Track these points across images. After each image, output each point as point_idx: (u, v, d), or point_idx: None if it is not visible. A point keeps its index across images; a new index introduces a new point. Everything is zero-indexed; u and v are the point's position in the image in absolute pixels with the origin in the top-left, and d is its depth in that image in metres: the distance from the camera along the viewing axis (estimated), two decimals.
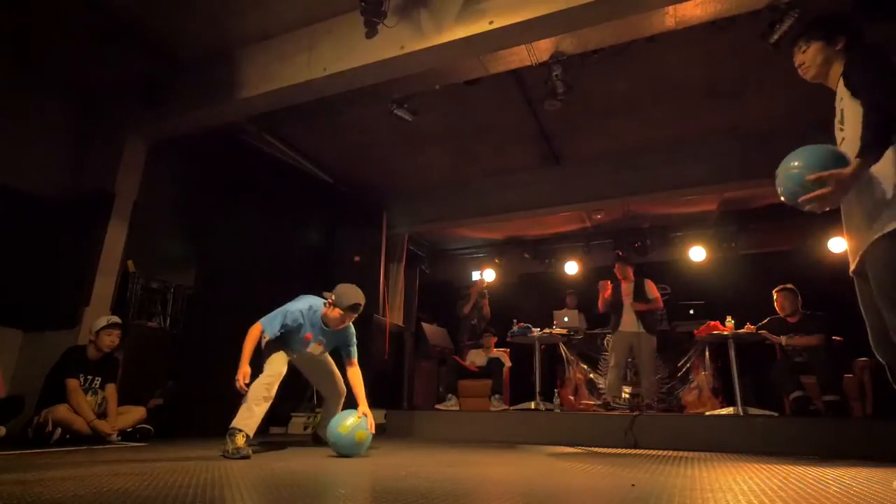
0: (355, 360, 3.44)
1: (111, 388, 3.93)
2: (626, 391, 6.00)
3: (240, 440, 2.85)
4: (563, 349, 6.91)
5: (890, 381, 1.81)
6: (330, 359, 3.59)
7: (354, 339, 3.43)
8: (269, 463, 2.62)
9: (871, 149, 1.69)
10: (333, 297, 3.14)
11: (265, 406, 3.03)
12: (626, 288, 5.72)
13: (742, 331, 4.64)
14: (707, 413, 4.86)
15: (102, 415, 3.80)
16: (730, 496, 1.65)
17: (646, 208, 7.28)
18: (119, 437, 3.80)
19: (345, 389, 3.56)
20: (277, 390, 3.14)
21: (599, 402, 6.36)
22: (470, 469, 2.47)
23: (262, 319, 3.13)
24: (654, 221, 7.78)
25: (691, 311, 6.52)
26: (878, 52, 1.82)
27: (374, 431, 3.12)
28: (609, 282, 5.82)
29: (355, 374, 3.39)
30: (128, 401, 4.11)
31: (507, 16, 3.56)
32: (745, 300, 5.61)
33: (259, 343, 3.29)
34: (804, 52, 2.04)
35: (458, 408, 5.77)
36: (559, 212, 6.96)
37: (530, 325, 5.74)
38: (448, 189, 6.99)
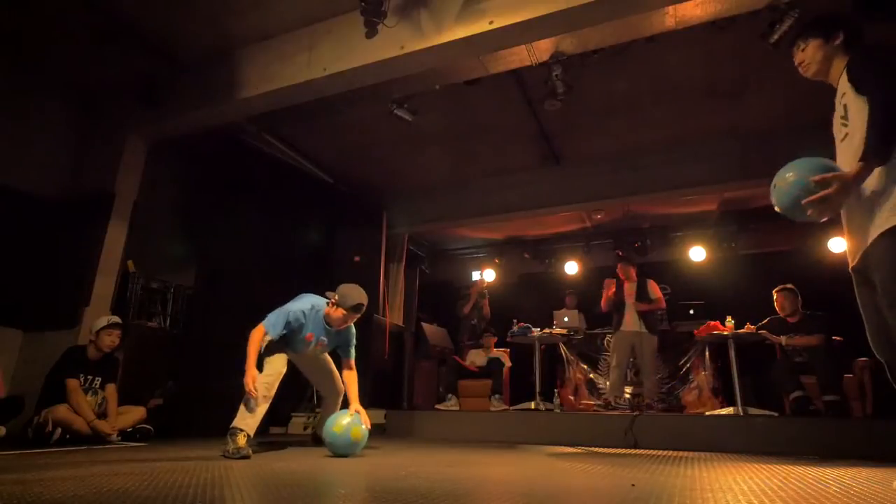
0: (353, 360, 3.44)
1: (111, 388, 3.93)
2: (628, 391, 6.00)
3: (240, 440, 2.85)
4: (563, 349, 6.91)
5: (890, 381, 1.81)
6: (329, 358, 3.60)
7: (354, 340, 3.43)
8: (269, 463, 2.62)
9: (877, 151, 1.69)
10: (337, 297, 3.14)
11: (265, 405, 3.03)
12: (629, 288, 5.72)
13: (742, 331, 4.64)
14: (707, 413, 4.86)
15: (102, 415, 3.80)
16: (730, 496, 1.65)
17: (646, 208, 7.28)
18: (119, 437, 3.80)
19: (343, 388, 3.56)
20: (277, 390, 3.14)
21: (600, 402, 6.36)
22: (470, 469, 2.47)
23: (265, 321, 3.11)
24: (654, 221, 7.78)
25: (691, 311, 6.53)
26: (884, 50, 1.82)
27: (369, 427, 3.12)
28: (614, 280, 5.82)
29: (351, 375, 3.40)
30: (128, 401, 4.11)
31: (507, 16, 3.57)
32: (745, 300, 5.61)
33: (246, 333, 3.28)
34: (803, 50, 2.05)
35: (458, 408, 5.77)
36: (559, 212, 6.96)
37: (530, 325, 5.74)
38: (448, 189, 7.00)
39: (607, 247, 8.17)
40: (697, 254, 7.44)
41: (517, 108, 5.33)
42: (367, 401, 5.33)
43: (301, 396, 5.69)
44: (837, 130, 1.94)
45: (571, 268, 8.15)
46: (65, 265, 4.66)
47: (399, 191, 7.17)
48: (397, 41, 3.88)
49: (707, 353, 6.21)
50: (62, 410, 3.61)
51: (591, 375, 6.74)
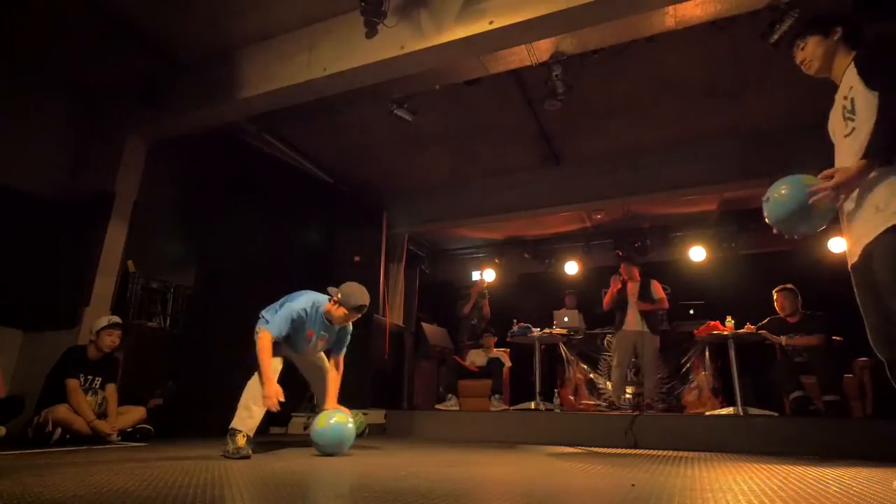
0: (342, 358, 3.45)
1: (111, 388, 3.93)
2: (629, 391, 6.00)
3: (240, 440, 2.85)
4: (563, 349, 6.91)
5: (890, 381, 1.81)
6: (325, 357, 3.58)
7: (349, 339, 3.43)
8: (268, 463, 2.62)
9: (882, 150, 1.69)
10: (340, 296, 3.12)
11: (264, 406, 3.03)
12: (632, 288, 5.73)
13: (742, 331, 4.64)
14: (707, 413, 4.86)
15: (102, 415, 3.80)
16: (730, 496, 1.65)
17: (646, 208, 7.28)
18: (119, 437, 3.80)
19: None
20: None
21: (602, 402, 6.37)
22: (470, 469, 2.47)
23: (269, 326, 3.09)
24: (654, 221, 7.78)
25: (691, 311, 6.53)
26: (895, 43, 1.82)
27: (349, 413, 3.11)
28: (621, 278, 5.82)
29: (335, 374, 3.41)
30: (128, 401, 4.11)
31: (507, 16, 3.56)
32: (745, 300, 5.61)
33: (248, 334, 3.28)
34: (803, 49, 2.06)
35: (458, 408, 5.78)
36: (559, 212, 6.96)
37: (530, 325, 5.74)
38: (448, 189, 6.99)
39: (607, 247, 8.17)
40: (697, 254, 7.44)
41: (517, 108, 5.32)
42: (368, 401, 5.37)
43: (301, 396, 5.69)
44: (840, 125, 1.92)
45: (571, 268, 8.15)
46: (65, 265, 4.66)
47: (399, 191, 7.17)
48: (397, 41, 3.88)
49: (707, 353, 6.21)
50: (62, 410, 3.61)
51: (591, 375, 6.74)
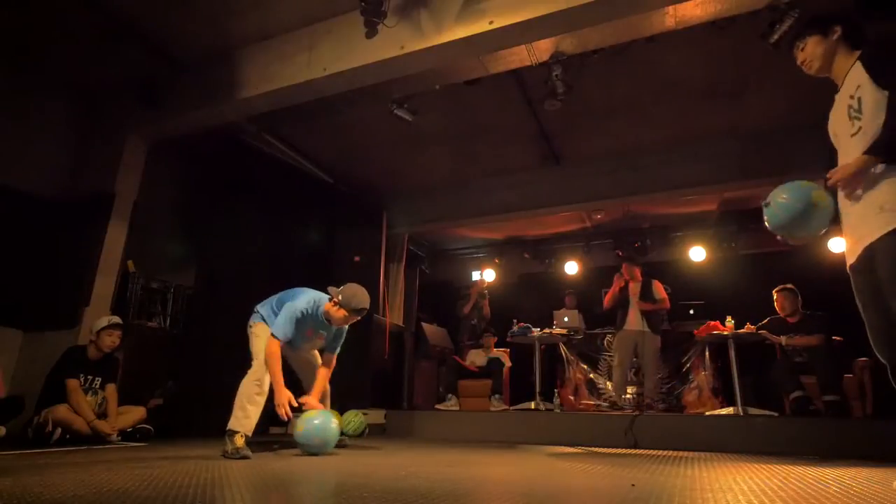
0: (335, 357, 3.44)
1: (111, 388, 3.93)
2: (630, 391, 6.01)
3: (238, 441, 2.85)
4: (563, 349, 6.91)
5: (890, 381, 1.80)
6: (318, 356, 3.58)
7: (344, 338, 3.42)
8: (268, 463, 2.62)
9: (890, 149, 1.69)
10: (340, 298, 3.11)
11: (260, 402, 3.02)
12: (634, 288, 5.73)
13: (742, 331, 4.64)
14: (707, 413, 4.86)
15: (102, 415, 3.80)
16: (730, 496, 1.65)
17: (646, 208, 7.28)
18: (119, 437, 3.80)
19: (328, 389, 3.56)
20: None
21: (603, 402, 6.38)
22: (470, 469, 2.47)
23: (273, 330, 3.10)
24: (654, 221, 7.78)
25: (691, 311, 6.53)
26: None
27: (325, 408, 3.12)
28: (623, 278, 5.82)
29: (326, 371, 3.41)
30: (128, 401, 4.11)
31: (507, 16, 3.56)
32: (745, 300, 5.60)
33: (246, 333, 3.28)
34: (802, 49, 2.06)
35: (458, 408, 5.78)
36: (559, 212, 6.96)
37: (530, 325, 5.74)
38: (448, 189, 6.99)
39: (607, 247, 8.17)
40: (697, 254, 7.44)
41: (517, 108, 5.32)
42: (368, 401, 5.37)
43: (300, 396, 5.69)
44: (844, 125, 1.91)
45: (571, 268, 8.15)
46: (65, 265, 4.66)
47: (399, 191, 7.17)
48: (397, 41, 3.88)
49: (707, 353, 6.21)
50: (62, 410, 3.61)
51: (591, 375, 6.75)
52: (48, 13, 4.24)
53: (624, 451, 3.71)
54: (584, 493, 1.87)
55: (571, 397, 6.70)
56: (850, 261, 1.92)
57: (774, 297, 4.74)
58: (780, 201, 1.95)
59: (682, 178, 5.89)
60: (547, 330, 5.69)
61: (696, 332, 5.12)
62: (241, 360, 3.16)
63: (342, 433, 4.60)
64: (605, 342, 6.76)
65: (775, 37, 3.66)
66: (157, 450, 3.20)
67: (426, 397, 6.53)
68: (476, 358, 6.38)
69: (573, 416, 5.37)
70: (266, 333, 3.19)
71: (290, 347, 3.26)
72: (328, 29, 4.25)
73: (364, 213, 6.93)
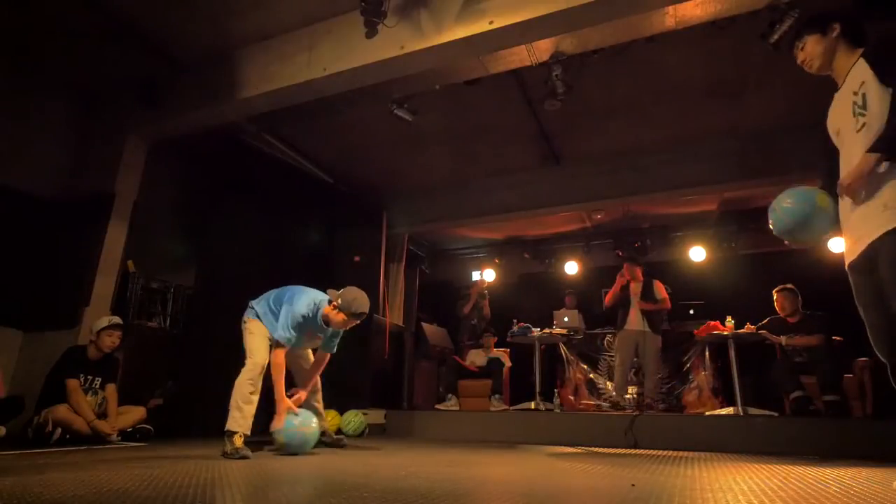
0: (328, 356, 3.45)
1: (111, 388, 3.93)
2: (631, 391, 6.01)
3: (238, 441, 2.85)
4: (563, 349, 6.91)
5: (890, 381, 1.80)
6: (311, 354, 3.58)
7: (340, 337, 3.41)
8: (268, 463, 2.62)
9: (894, 146, 1.69)
10: (340, 301, 3.08)
11: (255, 400, 3.03)
12: (635, 288, 5.74)
13: (742, 331, 4.64)
14: (707, 413, 4.86)
15: (102, 415, 3.80)
16: (730, 496, 1.65)
17: (646, 208, 7.28)
18: (119, 437, 3.80)
19: (319, 385, 3.56)
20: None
21: (605, 402, 6.38)
22: (470, 469, 2.47)
23: (277, 336, 3.09)
24: (654, 221, 7.78)
25: (691, 311, 6.52)
26: None
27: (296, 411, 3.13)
28: (629, 273, 5.82)
29: (319, 365, 3.44)
30: (128, 401, 4.11)
31: (507, 16, 3.56)
32: (745, 300, 5.61)
33: (241, 328, 3.27)
34: (802, 49, 2.06)
35: (458, 408, 5.77)
36: (559, 212, 6.96)
37: (530, 325, 5.74)
38: (448, 189, 6.99)
39: (607, 247, 8.17)
40: (697, 254, 7.44)
41: (517, 108, 5.32)
42: (368, 401, 5.37)
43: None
44: (848, 121, 1.91)
45: (571, 268, 8.15)
46: (65, 265, 4.65)
47: (399, 191, 7.17)
48: (397, 41, 3.88)
49: (707, 353, 6.21)
50: (62, 410, 3.61)
51: (591, 375, 6.75)
52: (48, 13, 4.24)
53: (624, 451, 3.71)
54: (584, 493, 1.87)
55: (571, 397, 6.70)
56: (849, 260, 1.91)
57: (774, 297, 4.74)
58: (785, 206, 1.99)
59: (682, 178, 5.89)
60: (547, 330, 5.69)
61: (696, 332, 5.12)
62: (241, 361, 3.16)
63: (340, 431, 4.62)
64: (605, 342, 6.76)
65: (775, 37, 3.66)
66: (157, 450, 3.20)
67: (426, 397, 6.53)
68: (476, 358, 6.38)
69: (573, 416, 5.37)
70: (260, 330, 3.19)
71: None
72: (328, 29, 4.25)
73: (364, 213, 6.93)
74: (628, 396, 5.91)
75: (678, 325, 6.46)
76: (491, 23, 3.61)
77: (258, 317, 3.26)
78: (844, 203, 1.91)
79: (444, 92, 4.77)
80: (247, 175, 5.84)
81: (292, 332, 3.08)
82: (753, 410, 4.38)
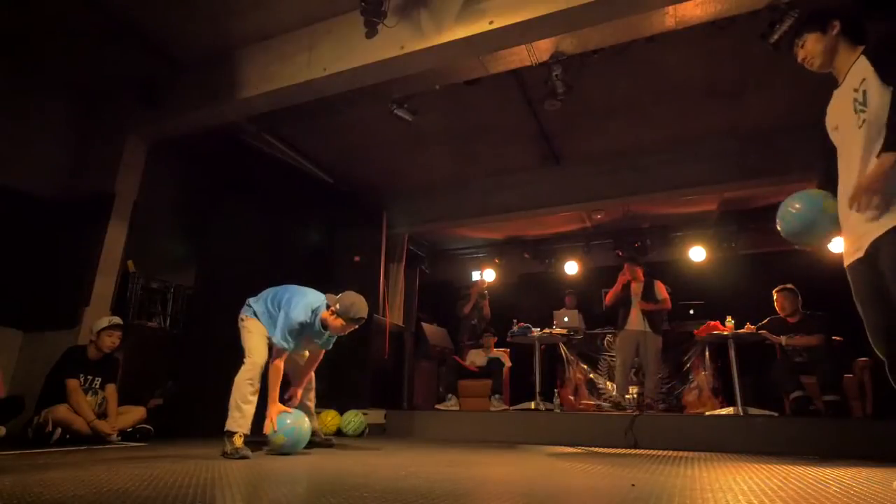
0: (322, 352, 3.47)
1: (111, 389, 3.93)
2: (631, 391, 6.02)
3: (237, 441, 2.85)
4: (563, 349, 6.91)
5: (890, 381, 1.80)
6: (307, 351, 3.58)
7: (336, 338, 3.40)
8: (268, 463, 2.62)
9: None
10: (338, 307, 3.07)
11: (254, 401, 3.03)
12: (636, 288, 5.74)
13: (742, 331, 4.64)
14: (707, 413, 4.86)
15: (102, 415, 3.80)
16: (730, 496, 1.65)
17: (646, 208, 7.28)
18: (119, 437, 3.80)
19: (313, 383, 3.56)
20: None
21: (607, 402, 6.38)
22: (470, 469, 2.47)
23: (275, 341, 3.09)
24: (654, 221, 7.78)
25: (691, 311, 6.52)
26: None
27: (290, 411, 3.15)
28: (629, 273, 5.82)
29: (314, 363, 3.46)
30: (128, 401, 4.11)
31: (507, 16, 3.56)
32: (745, 300, 5.61)
33: (237, 326, 3.28)
34: (802, 47, 2.06)
35: (458, 408, 5.78)
36: (559, 212, 6.95)
37: (530, 325, 5.74)
38: (448, 189, 6.99)
39: (607, 247, 8.17)
40: (697, 254, 7.44)
41: (517, 108, 5.32)
42: (368, 401, 5.37)
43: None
44: (849, 117, 1.90)
45: (571, 268, 8.15)
46: (65, 265, 4.65)
47: (399, 191, 7.17)
48: (397, 41, 3.88)
49: (707, 353, 6.21)
50: (62, 410, 3.61)
51: (591, 375, 6.75)
52: (48, 13, 4.24)
53: (624, 451, 3.71)
54: (584, 493, 1.87)
55: (571, 397, 6.70)
56: (849, 259, 1.91)
57: (774, 297, 4.74)
58: (792, 210, 2.02)
59: (682, 178, 5.89)
60: (547, 330, 5.69)
61: (696, 332, 5.12)
62: (240, 358, 3.16)
63: (340, 431, 4.62)
64: (605, 342, 6.76)
65: (775, 37, 3.66)
66: (157, 450, 3.20)
67: (426, 397, 6.53)
68: (476, 358, 6.38)
69: (573, 416, 5.37)
70: (259, 329, 3.19)
71: None
72: (328, 29, 4.25)
73: (364, 213, 6.93)
74: (629, 397, 5.92)
75: (678, 325, 6.46)
76: (491, 23, 3.61)
77: (256, 315, 3.26)
78: (843, 202, 1.91)
79: (444, 92, 4.77)
80: (247, 175, 5.84)
81: (290, 340, 3.08)
82: (753, 410, 4.38)
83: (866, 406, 4.39)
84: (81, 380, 3.80)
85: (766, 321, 4.73)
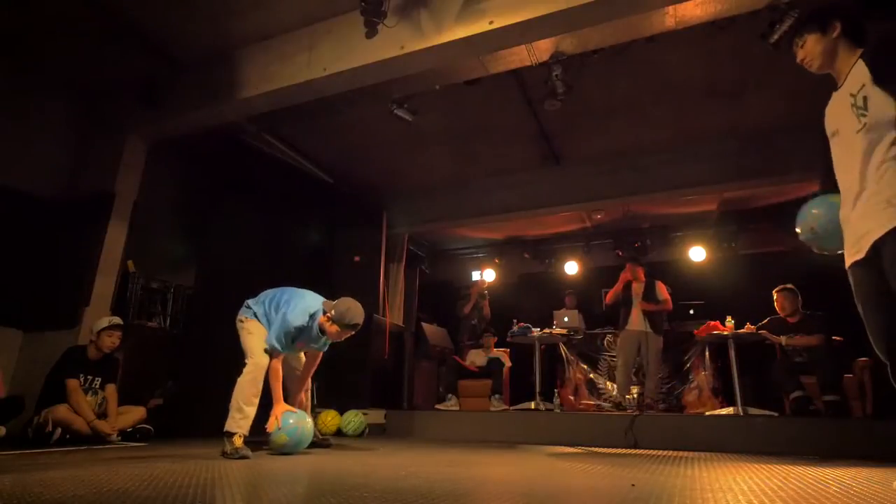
0: (321, 354, 3.47)
1: (111, 389, 3.93)
2: (633, 391, 6.02)
3: (237, 441, 2.85)
4: (563, 349, 6.91)
5: (891, 381, 1.79)
6: (303, 355, 3.58)
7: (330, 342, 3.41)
8: (268, 463, 2.62)
9: None
10: (333, 313, 3.06)
11: (256, 402, 3.03)
12: (637, 288, 5.74)
13: (742, 331, 4.64)
14: (707, 413, 4.86)
15: (102, 415, 3.80)
16: (730, 496, 1.65)
17: (646, 208, 7.28)
18: (119, 437, 3.80)
19: (309, 383, 3.57)
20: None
21: (607, 402, 6.38)
22: (470, 469, 2.47)
23: (270, 344, 3.09)
24: (654, 221, 7.78)
25: (691, 311, 6.52)
26: None
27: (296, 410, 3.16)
28: (630, 273, 5.81)
29: (311, 366, 3.46)
30: (128, 401, 4.11)
31: (507, 16, 3.56)
32: (745, 300, 5.60)
33: (236, 328, 3.28)
34: (802, 47, 2.04)
35: (458, 408, 5.77)
36: (559, 212, 6.95)
37: (530, 325, 5.74)
38: (448, 189, 6.99)
39: (607, 247, 8.17)
40: (697, 254, 7.44)
41: (517, 108, 5.32)
42: (368, 401, 5.37)
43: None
44: (849, 121, 1.88)
45: (571, 268, 8.15)
46: (65, 265, 4.65)
47: (399, 191, 7.17)
48: (397, 41, 3.88)
49: (707, 353, 6.21)
50: (62, 410, 3.61)
51: (591, 375, 6.75)
52: (48, 13, 4.24)
53: (624, 451, 3.71)
54: (584, 493, 1.87)
55: (571, 397, 6.70)
56: (850, 259, 1.91)
57: (774, 297, 4.74)
58: (813, 214, 2.00)
59: (682, 178, 5.89)
60: (547, 330, 5.69)
61: (696, 332, 5.13)
62: (241, 360, 3.16)
63: (340, 431, 4.62)
64: (605, 342, 6.76)
65: (775, 37, 3.66)
66: (157, 450, 3.20)
67: (426, 397, 6.53)
68: (476, 358, 6.38)
69: (573, 416, 5.37)
70: (259, 330, 3.19)
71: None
72: (328, 29, 4.25)
73: (364, 213, 6.93)
74: (629, 397, 5.92)
75: (678, 325, 6.46)
76: (491, 23, 3.61)
77: (255, 317, 3.26)
78: (845, 202, 1.91)
79: (444, 92, 4.77)
80: (247, 175, 5.84)
81: (283, 341, 3.07)
82: (753, 410, 4.38)
83: (866, 406, 4.39)
84: (81, 380, 3.80)
85: (766, 321, 4.73)
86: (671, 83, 4.91)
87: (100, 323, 3.94)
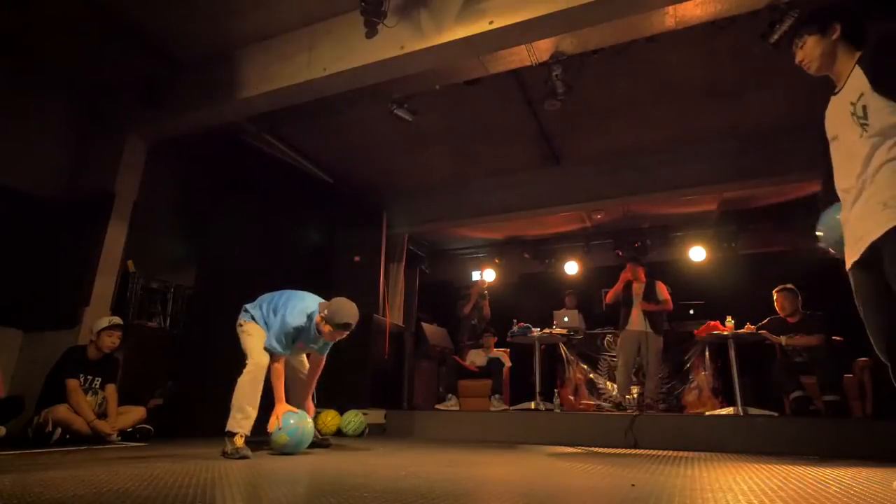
0: (324, 358, 3.46)
1: (111, 389, 3.93)
2: (633, 391, 6.02)
3: (238, 441, 2.85)
4: (563, 349, 6.91)
5: (891, 381, 1.79)
6: (305, 359, 3.58)
7: (332, 343, 3.39)
8: (268, 463, 2.62)
9: None
10: (326, 312, 3.06)
11: (256, 402, 3.03)
12: (637, 288, 5.74)
13: (742, 331, 4.64)
14: (707, 413, 4.86)
15: (102, 415, 3.80)
16: (730, 496, 1.65)
17: (646, 208, 7.28)
18: (119, 437, 3.80)
19: (309, 389, 3.57)
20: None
21: (607, 402, 6.37)
22: (470, 469, 2.47)
23: (269, 346, 3.09)
24: (654, 221, 7.78)
25: (691, 311, 6.53)
26: None
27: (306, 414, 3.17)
28: (631, 273, 5.81)
29: (315, 372, 3.46)
30: (128, 401, 4.11)
31: (507, 16, 3.56)
32: (745, 300, 5.60)
33: (236, 329, 3.27)
34: (801, 48, 2.02)
35: (458, 408, 5.77)
36: (559, 212, 6.95)
37: (530, 325, 5.74)
38: (448, 189, 6.99)
39: (607, 247, 8.17)
40: (697, 254, 7.44)
41: (517, 108, 5.32)
42: (368, 401, 5.37)
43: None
44: (849, 127, 1.87)
45: (571, 268, 8.15)
46: (65, 265, 4.66)
47: (399, 191, 7.17)
48: (397, 41, 3.88)
49: (707, 353, 6.21)
50: (62, 410, 3.61)
51: (591, 375, 6.75)
52: (48, 13, 4.24)
53: (624, 451, 3.71)
54: (584, 493, 1.87)
55: (571, 397, 6.70)
56: (849, 261, 1.91)
57: (774, 297, 4.74)
58: (837, 218, 1.97)
59: (682, 178, 5.89)
60: (547, 330, 5.69)
61: (696, 332, 5.13)
62: (241, 361, 3.16)
63: (340, 431, 4.61)
64: (605, 342, 6.76)
65: (775, 37, 3.66)
66: (157, 450, 3.20)
67: (426, 397, 6.53)
68: (476, 358, 6.38)
69: (573, 416, 5.37)
70: (258, 332, 3.19)
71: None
72: (328, 29, 4.25)
73: (364, 213, 6.93)
74: (629, 397, 5.92)
75: (678, 325, 6.46)
76: (491, 23, 3.61)
77: (254, 320, 3.26)
78: (844, 204, 1.90)
79: (444, 92, 4.77)
80: (247, 175, 5.84)
81: (283, 343, 3.08)
82: (753, 410, 4.38)
83: (866, 406, 4.39)
84: (81, 380, 3.80)
85: (766, 321, 4.73)
86: (671, 83, 4.91)
87: (100, 323, 3.94)
